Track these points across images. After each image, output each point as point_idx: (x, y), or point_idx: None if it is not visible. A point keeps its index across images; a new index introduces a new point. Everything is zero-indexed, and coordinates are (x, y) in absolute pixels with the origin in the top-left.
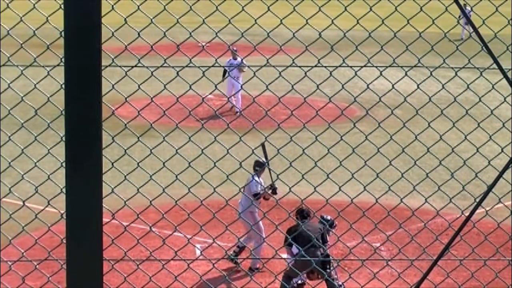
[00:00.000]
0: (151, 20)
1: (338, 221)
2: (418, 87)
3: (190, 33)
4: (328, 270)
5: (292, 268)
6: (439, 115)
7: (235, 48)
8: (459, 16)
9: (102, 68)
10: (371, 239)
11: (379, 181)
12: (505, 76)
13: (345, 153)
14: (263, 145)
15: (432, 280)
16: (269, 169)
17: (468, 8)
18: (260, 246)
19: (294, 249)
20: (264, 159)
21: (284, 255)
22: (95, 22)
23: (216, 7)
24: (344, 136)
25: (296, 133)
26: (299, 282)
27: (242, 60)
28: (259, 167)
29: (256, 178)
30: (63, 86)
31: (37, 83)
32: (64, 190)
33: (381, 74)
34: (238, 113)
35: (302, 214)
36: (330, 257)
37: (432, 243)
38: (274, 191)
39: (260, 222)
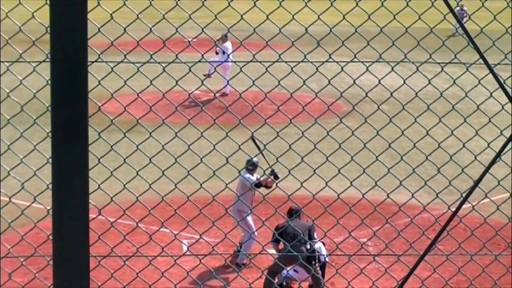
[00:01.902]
0: (137, 15)
1: (325, 217)
2: (404, 82)
3: (177, 29)
4: (314, 266)
5: (277, 262)
6: (426, 110)
7: (225, 34)
8: (448, 13)
9: (88, 63)
10: (358, 235)
11: (365, 176)
12: (491, 71)
13: (332, 149)
14: (252, 138)
15: (419, 275)
16: (264, 157)
17: (465, 8)
18: (249, 242)
19: (281, 246)
20: (257, 150)
21: (271, 251)
22: (81, 17)
23: (203, 2)
24: (331, 131)
25: (282, 129)
26: (287, 275)
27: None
28: (251, 166)
29: (248, 175)
30: (49, 82)
31: (23, 79)
32: (50, 186)
33: (367, 69)
34: (226, 93)
35: (290, 212)
36: (317, 253)
37: (419, 238)
38: (276, 176)
39: (250, 219)
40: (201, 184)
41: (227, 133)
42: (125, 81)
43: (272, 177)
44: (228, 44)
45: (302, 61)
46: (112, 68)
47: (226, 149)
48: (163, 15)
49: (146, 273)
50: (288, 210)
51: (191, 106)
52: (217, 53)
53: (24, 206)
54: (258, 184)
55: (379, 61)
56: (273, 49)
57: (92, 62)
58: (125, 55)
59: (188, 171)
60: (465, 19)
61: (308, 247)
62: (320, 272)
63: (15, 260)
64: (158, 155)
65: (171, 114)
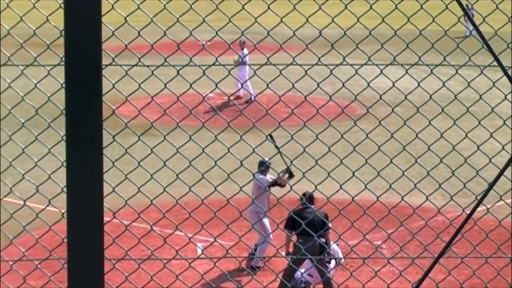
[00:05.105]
0: (151, 19)
1: (339, 219)
2: (418, 85)
3: (191, 32)
4: (327, 268)
5: (292, 264)
6: (440, 113)
7: (243, 40)
8: (463, 15)
9: (103, 67)
10: (372, 237)
11: (380, 179)
12: (506, 74)
13: (346, 151)
14: (270, 136)
15: (434, 278)
16: (281, 156)
17: (472, 10)
18: (263, 246)
19: (294, 238)
20: (276, 148)
21: (285, 253)
22: (95, 21)
23: (216, 5)
24: (345, 134)
25: (296, 131)
26: (303, 280)
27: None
28: (264, 167)
29: (261, 176)
30: (63, 85)
31: (37, 83)
32: (65, 189)
33: (381, 72)
34: (252, 100)
35: (304, 199)
36: (332, 253)
37: (433, 241)
38: (291, 174)
39: (267, 222)
40: (215, 187)
41: (241, 136)
42: (139, 85)
43: (287, 175)
44: (246, 51)
45: (316, 64)
46: (126, 72)
47: (240, 152)
48: (177, 18)
49: (161, 276)
50: (300, 197)
51: (206, 109)
52: (235, 62)
53: (39, 209)
54: (273, 183)
55: (393, 64)
56: (287, 52)
57: (107, 65)
58: (139, 59)
59: (203, 174)
60: (473, 18)
61: (323, 240)
62: (332, 274)
63: (30, 263)
64: (173, 158)
65: (186, 117)
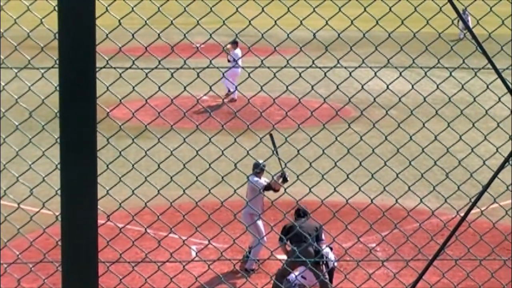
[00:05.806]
0: (145, 21)
1: (333, 222)
2: (412, 87)
3: (185, 34)
4: (321, 270)
5: (285, 265)
6: (434, 115)
7: (235, 41)
8: (457, 17)
9: (97, 69)
10: (366, 240)
11: (374, 181)
12: (500, 76)
13: (340, 154)
14: (271, 135)
15: (428, 280)
16: (278, 158)
17: (467, 12)
18: (257, 248)
19: (288, 247)
20: (273, 149)
21: (280, 256)
22: (89, 23)
23: (211, 8)
24: (339, 136)
25: (291, 134)
26: (297, 282)
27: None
28: (259, 169)
29: (256, 179)
30: (57, 88)
31: (31, 85)
32: (59, 192)
33: (375, 74)
34: (230, 94)
35: (298, 213)
36: (325, 258)
37: (428, 243)
38: (285, 179)
39: (261, 225)
40: (209, 190)
41: (235, 139)
42: (133, 87)
43: (281, 179)
44: (238, 51)
45: (310, 67)
46: (120, 74)
47: (234, 155)
48: (171, 21)
49: (155, 278)
50: (295, 211)
51: (200, 111)
52: (229, 61)
53: (33, 212)
54: (267, 187)
55: (387, 66)
56: (281, 54)
57: (101, 68)
58: (133, 61)
59: (197, 177)
60: (469, 23)
61: (315, 247)
62: (327, 277)
63: (24, 266)
64: (167, 161)
65: (180, 119)
